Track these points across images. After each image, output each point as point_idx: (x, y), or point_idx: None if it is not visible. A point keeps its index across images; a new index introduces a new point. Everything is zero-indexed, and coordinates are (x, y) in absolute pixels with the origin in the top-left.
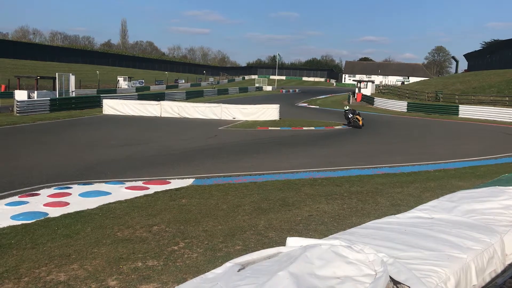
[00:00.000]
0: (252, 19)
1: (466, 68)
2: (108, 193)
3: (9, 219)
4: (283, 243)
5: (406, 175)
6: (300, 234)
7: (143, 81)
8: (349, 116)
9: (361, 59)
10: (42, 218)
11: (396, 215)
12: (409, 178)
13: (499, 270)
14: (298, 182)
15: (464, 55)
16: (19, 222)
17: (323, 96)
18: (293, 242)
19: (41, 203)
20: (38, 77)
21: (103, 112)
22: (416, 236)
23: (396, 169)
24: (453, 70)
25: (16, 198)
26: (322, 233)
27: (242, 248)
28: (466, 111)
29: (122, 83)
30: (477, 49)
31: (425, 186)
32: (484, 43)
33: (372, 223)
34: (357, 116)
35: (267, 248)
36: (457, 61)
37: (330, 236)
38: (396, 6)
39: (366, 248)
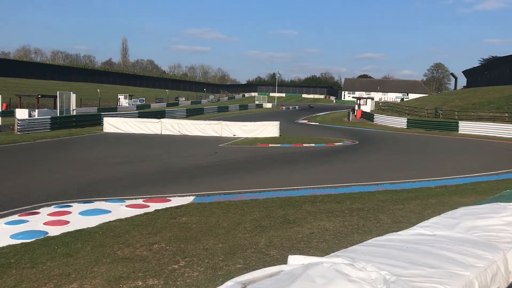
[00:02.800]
0: (251, 37)
1: (465, 85)
2: (108, 211)
3: (9, 238)
4: (284, 261)
5: (407, 192)
6: (302, 252)
7: (144, 99)
8: None
9: (360, 76)
10: (42, 237)
11: (398, 232)
12: (410, 194)
13: None
14: (299, 199)
15: (463, 72)
16: (19, 241)
17: (323, 113)
18: (295, 260)
19: (41, 221)
20: (39, 96)
21: (104, 130)
22: (418, 253)
23: (397, 185)
24: (452, 87)
25: (16, 217)
26: (323, 251)
27: (243, 267)
28: (466, 127)
29: (123, 101)
30: (475, 66)
31: (427, 203)
32: (482, 60)
33: (374, 241)
34: None
35: (268, 266)
36: (456, 78)
37: (332, 254)
38: (395, 23)
39: (368, 266)
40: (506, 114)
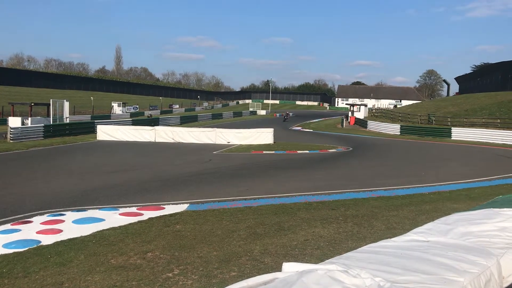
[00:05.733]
0: (245, 45)
1: (458, 91)
2: (102, 220)
3: (1, 247)
4: (279, 269)
5: (401, 198)
6: (296, 259)
7: (138, 106)
8: None
9: (353, 83)
10: (35, 246)
11: (392, 239)
12: (404, 201)
13: None
14: (293, 206)
15: (455, 78)
16: (11, 251)
17: (317, 120)
18: (289, 268)
19: (34, 230)
20: (32, 104)
21: (97, 138)
22: (412, 260)
23: (391, 192)
24: (444, 93)
25: (8, 226)
26: (318, 258)
27: (238, 274)
28: (459, 134)
29: (117, 108)
30: (468, 72)
31: (420, 209)
32: (474, 66)
33: (368, 247)
34: None
35: (263, 274)
36: (448, 84)
37: (327, 260)
38: (388, 30)
39: (363, 272)
40: (498, 120)
